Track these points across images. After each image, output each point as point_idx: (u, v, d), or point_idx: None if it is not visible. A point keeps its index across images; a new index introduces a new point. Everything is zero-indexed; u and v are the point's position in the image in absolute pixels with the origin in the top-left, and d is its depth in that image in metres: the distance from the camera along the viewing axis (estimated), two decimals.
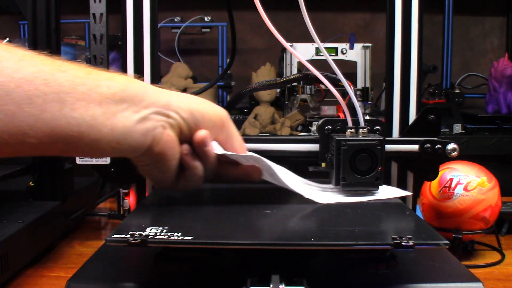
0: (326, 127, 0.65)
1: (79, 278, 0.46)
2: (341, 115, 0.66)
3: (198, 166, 0.52)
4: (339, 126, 0.64)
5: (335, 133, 0.63)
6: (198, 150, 0.51)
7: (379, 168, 0.59)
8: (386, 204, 0.57)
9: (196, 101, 0.52)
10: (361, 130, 0.61)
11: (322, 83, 0.64)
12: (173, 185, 0.53)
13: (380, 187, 0.61)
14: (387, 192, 0.61)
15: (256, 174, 0.57)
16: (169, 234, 0.42)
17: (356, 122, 0.63)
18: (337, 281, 0.47)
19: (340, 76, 0.62)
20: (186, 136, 0.51)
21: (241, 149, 0.55)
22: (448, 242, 0.42)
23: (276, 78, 0.73)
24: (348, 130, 0.61)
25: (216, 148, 0.53)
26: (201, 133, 0.50)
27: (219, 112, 0.53)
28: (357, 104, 0.62)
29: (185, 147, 0.51)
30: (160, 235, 0.42)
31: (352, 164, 0.59)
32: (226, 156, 0.54)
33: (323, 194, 0.60)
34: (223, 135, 0.53)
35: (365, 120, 0.63)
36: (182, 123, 0.50)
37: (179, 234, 0.42)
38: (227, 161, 0.55)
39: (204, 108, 0.52)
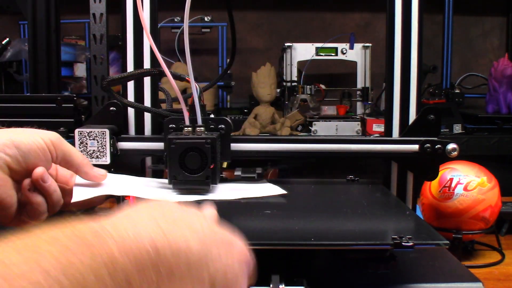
0: (170, 125, 0.64)
1: None
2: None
3: (40, 201, 0.51)
4: (182, 124, 0.63)
5: (176, 132, 0.63)
6: (38, 186, 0.50)
7: (211, 167, 0.58)
8: (386, 204, 0.57)
9: (20, 134, 0.50)
10: (197, 128, 0.61)
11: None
12: (14, 222, 0.51)
13: (259, 184, 0.62)
14: (264, 190, 0.61)
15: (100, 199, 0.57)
16: None
17: (194, 121, 0.62)
18: (337, 281, 0.47)
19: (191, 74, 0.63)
20: (20, 171, 0.49)
21: (84, 162, 0.55)
22: (448, 242, 0.42)
23: (131, 71, 0.69)
24: (185, 128, 0.61)
25: (75, 195, 0.53)
26: (38, 171, 0.50)
27: (47, 137, 0.52)
28: (197, 103, 0.61)
29: (27, 182, 0.50)
30: None
31: (182, 162, 0.58)
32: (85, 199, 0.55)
33: (158, 192, 0.59)
34: (60, 157, 0.52)
35: (210, 119, 0.63)
36: (10, 160, 0.48)
37: None
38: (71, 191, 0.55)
39: (30, 139, 0.50)
